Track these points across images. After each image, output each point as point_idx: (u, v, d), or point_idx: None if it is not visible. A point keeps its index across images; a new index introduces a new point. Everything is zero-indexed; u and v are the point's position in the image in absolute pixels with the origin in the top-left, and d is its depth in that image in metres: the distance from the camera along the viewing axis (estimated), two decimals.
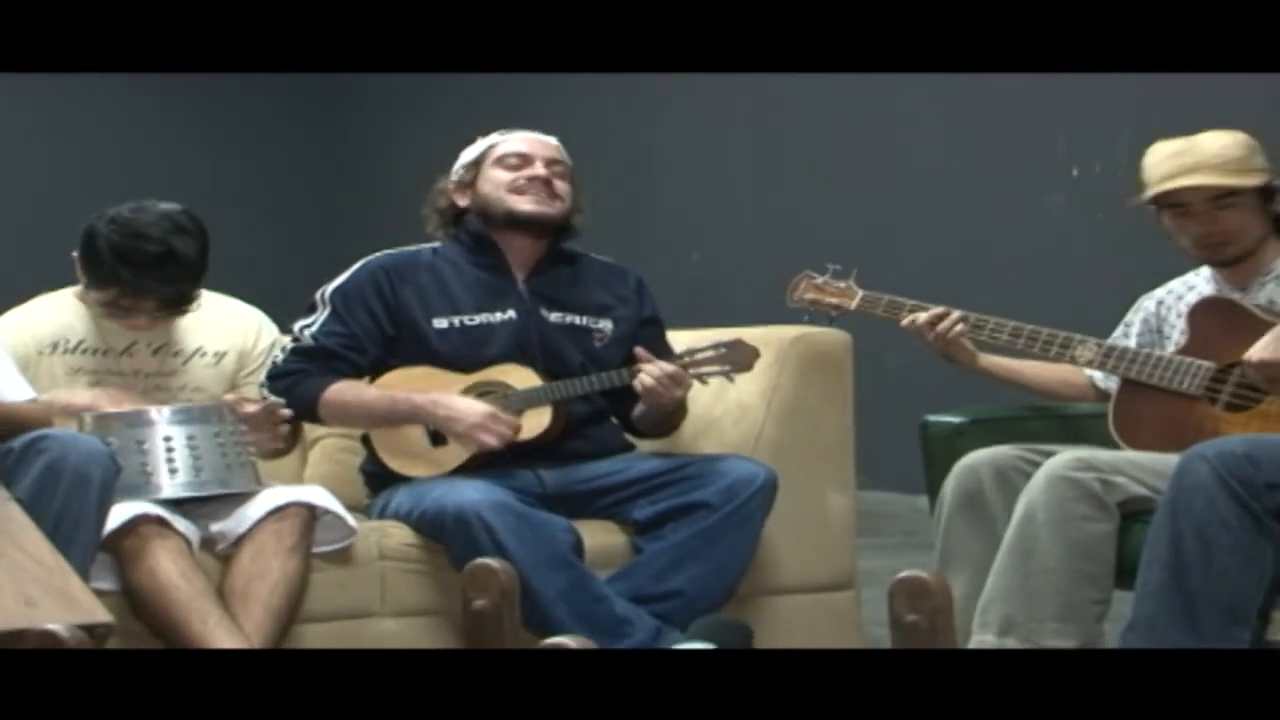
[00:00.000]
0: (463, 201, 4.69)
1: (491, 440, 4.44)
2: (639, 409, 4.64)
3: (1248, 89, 6.78)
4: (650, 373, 4.47)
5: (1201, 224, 4.42)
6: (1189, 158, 4.43)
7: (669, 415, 4.67)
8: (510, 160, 4.64)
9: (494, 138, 4.72)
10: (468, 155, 4.73)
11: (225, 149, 11.09)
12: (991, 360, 4.66)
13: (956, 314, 4.57)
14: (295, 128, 11.79)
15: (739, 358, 4.54)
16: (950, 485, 4.40)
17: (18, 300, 4.72)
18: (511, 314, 4.65)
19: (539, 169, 4.64)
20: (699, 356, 4.55)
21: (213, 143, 11.19)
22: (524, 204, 4.62)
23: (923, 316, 4.58)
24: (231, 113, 11.46)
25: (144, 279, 4.48)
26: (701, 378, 4.55)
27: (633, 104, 9.61)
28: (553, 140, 4.75)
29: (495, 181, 4.64)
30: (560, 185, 4.67)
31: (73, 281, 4.74)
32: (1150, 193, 4.44)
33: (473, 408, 4.49)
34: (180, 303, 4.57)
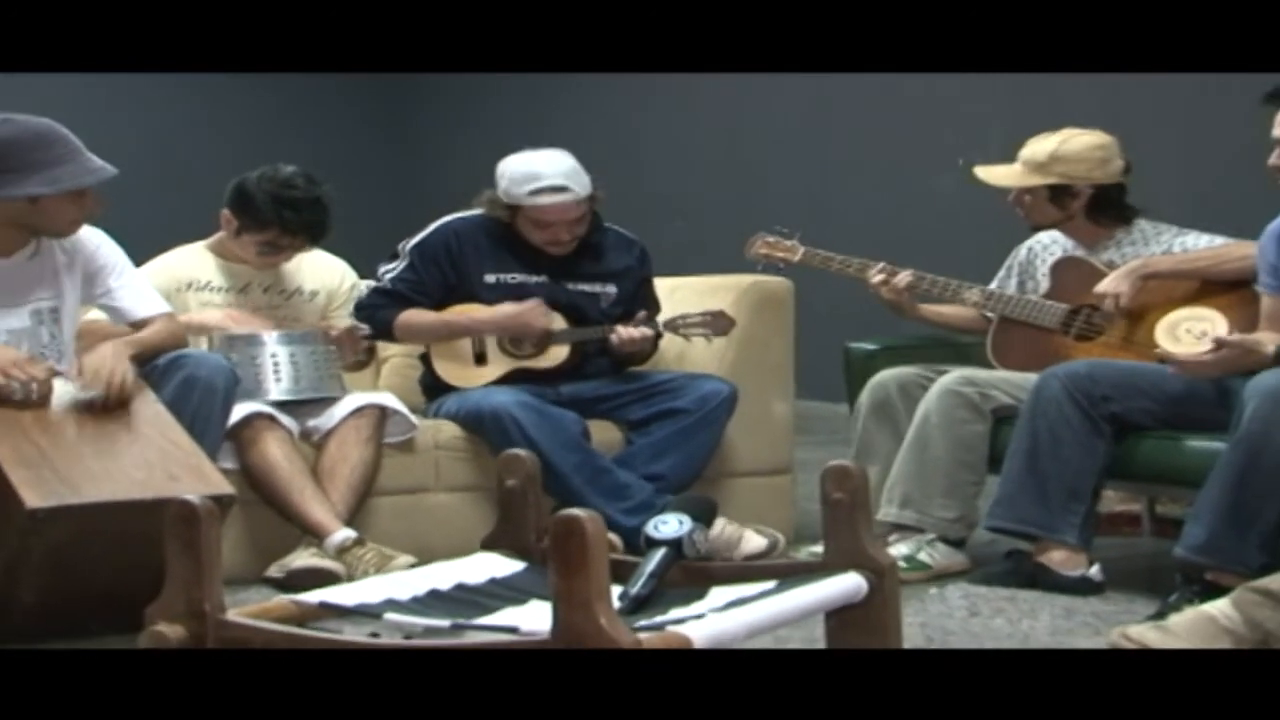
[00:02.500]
0: (507, 219, 4.59)
1: (527, 330, 4.55)
2: (614, 349, 4.61)
3: (1097, 90, 6.78)
4: (626, 334, 4.53)
5: (1027, 212, 4.53)
6: (1027, 158, 4.48)
7: (632, 361, 4.69)
8: (541, 223, 4.53)
9: (526, 196, 4.48)
10: (508, 193, 4.53)
11: (318, 134, 11.07)
12: (925, 308, 4.69)
13: (903, 271, 4.58)
14: (371, 118, 11.78)
15: (719, 325, 4.57)
16: (865, 395, 4.41)
17: (159, 250, 4.72)
18: (544, 278, 4.63)
19: (562, 235, 4.56)
20: (690, 320, 4.57)
21: (309, 129, 11.16)
22: (551, 248, 4.58)
23: (876, 272, 4.60)
24: (325, 106, 11.46)
25: (300, 216, 4.53)
26: (688, 336, 4.60)
27: (627, 103, 9.59)
28: (571, 196, 4.49)
29: (530, 231, 4.56)
30: (578, 229, 4.58)
31: (202, 237, 4.76)
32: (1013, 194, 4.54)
33: (508, 307, 4.55)
34: (320, 235, 4.65)
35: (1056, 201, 4.43)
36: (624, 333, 4.53)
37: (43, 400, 3.67)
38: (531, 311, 4.52)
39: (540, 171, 4.50)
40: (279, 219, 4.53)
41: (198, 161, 8.76)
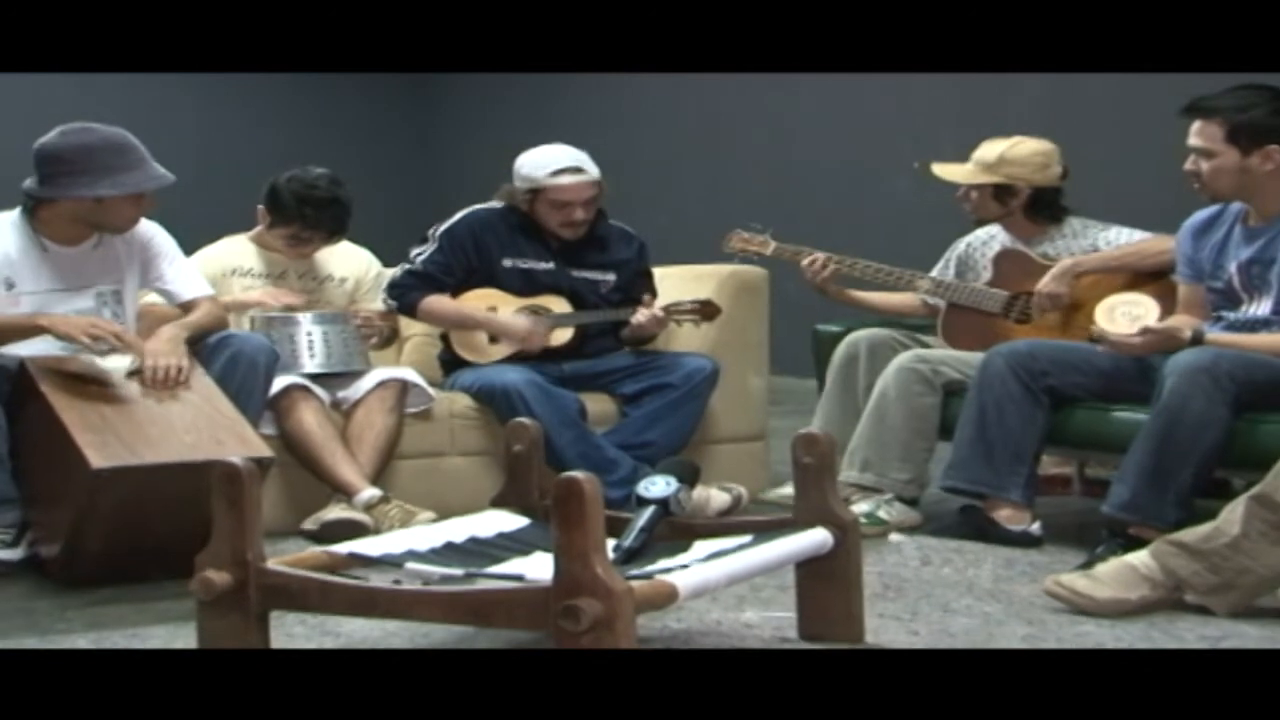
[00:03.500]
0: (525, 208, 4.57)
1: (530, 347, 4.48)
2: (626, 332, 4.62)
3: (1038, 98, 6.79)
4: (644, 316, 4.53)
5: (973, 207, 4.51)
6: (980, 158, 4.47)
7: (646, 340, 4.67)
8: (558, 203, 4.51)
9: (547, 179, 4.49)
10: (529, 178, 4.53)
11: (350, 137, 11.04)
12: (849, 292, 4.70)
13: (822, 257, 4.59)
14: (397, 123, 11.72)
15: (707, 312, 4.57)
16: (838, 354, 4.43)
17: (207, 241, 4.72)
18: (552, 265, 4.60)
19: (578, 214, 4.53)
20: (682, 307, 4.57)
21: (343, 133, 11.14)
22: (566, 233, 4.55)
23: (808, 259, 4.61)
24: (357, 111, 11.42)
25: (321, 214, 4.55)
26: (679, 321, 4.60)
27: (619, 109, 9.58)
28: (586, 176, 4.52)
29: (548, 214, 4.53)
30: (590, 211, 4.57)
31: (245, 229, 4.76)
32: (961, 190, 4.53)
33: (520, 323, 4.49)
34: (339, 231, 4.66)
35: (999, 199, 4.43)
36: (643, 314, 4.54)
37: (123, 345, 3.69)
38: (534, 335, 4.49)
39: (558, 156, 4.55)
40: (301, 215, 4.55)
41: (243, 160, 8.71)
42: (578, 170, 4.51)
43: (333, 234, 4.66)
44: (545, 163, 4.52)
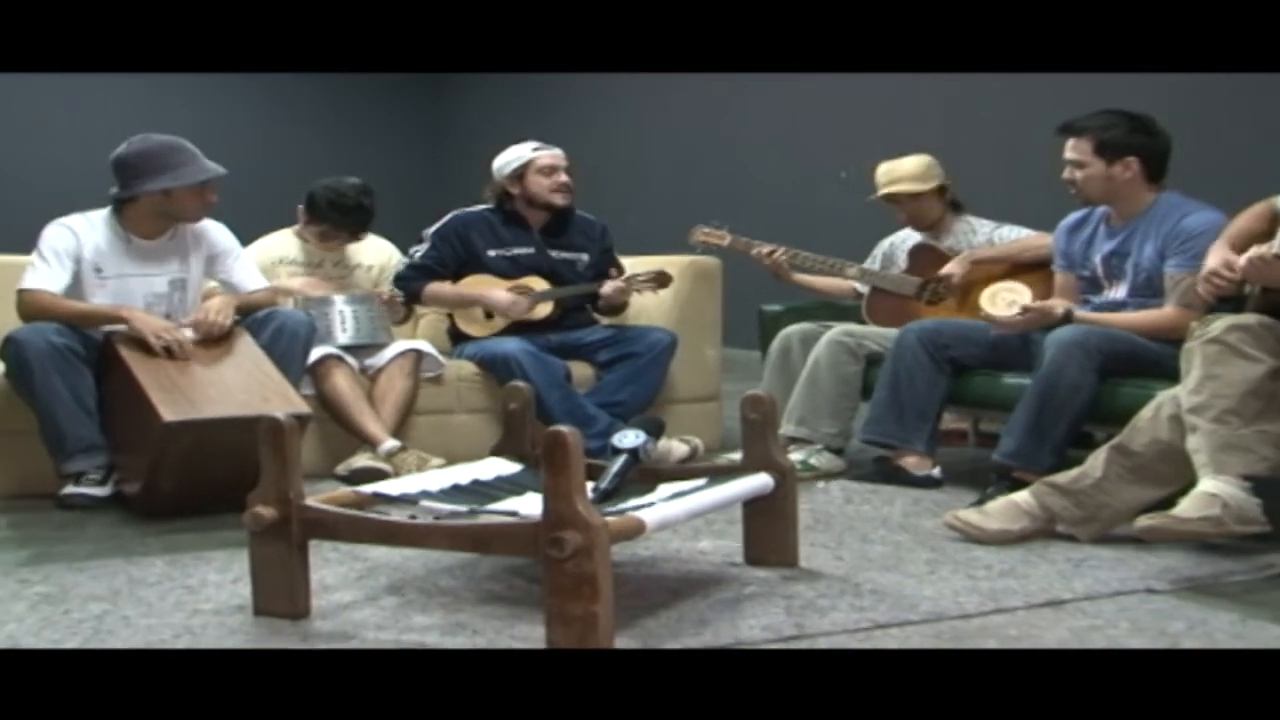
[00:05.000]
0: (514, 190, 4.58)
1: (513, 316, 4.48)
2: (600, 303, 4.63)
3: (934, 115, 6.79)
4: (609, 288, 4.54)
5: (904, 208, 4.49)
6: (894, 174, 4.48)
7: (617, 308, 4.67)
8: (547, 170, 4.55)
9: (530, 154, 4.56)
10: (516, 161, 4.57)
11: (365, 138, 11.02)
12: (796, 276, 4.70)
13: (780, 249, 4.61)
14: (416, 134, 11.72)
15: (661, 280, 4.58)
16: (775, 344, 4.43)
17: (257, 236, 4.71)
18: (532, 250, 4.60)
19: (563, 177, 4.58)
20: (640, 278, 4.58)
21: (358, 133, 11.11)
22: (559, 199, 4.56)
23: (764, 249, 4.62)
24: (368, 113, 11.37)
25: (345, 219, 4.61)
26: (639, 290, 4.60)
27: (598, 123, 9.54)
28: (558, 149, 4.62)
29: (539, 184, 4.55)
30: (571, 180, 4.60)
31: (291, 224, 4.76)
32: (878, 194, 4.50)
33: (503, 296, 4.50)
34: (359, 231, 4.70)
35: (939, 199, 4.45)
36: (609, 285, 4.55)
37: (181, 354, 3.69)
38: (516, 306, 4.50)
39: (529, 143, 4.62)
40: (329, 218, 4.60)
41: (295, 166, 8.67)
42: (549, 146, 4.61)
43: (355, 235, 4.68)
44: (522, 149, 4.60)
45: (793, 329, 4.40)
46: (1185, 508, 2.87)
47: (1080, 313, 3.71)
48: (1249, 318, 3.02)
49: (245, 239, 4.35)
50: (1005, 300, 3.91)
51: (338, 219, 4.60)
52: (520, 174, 4.57)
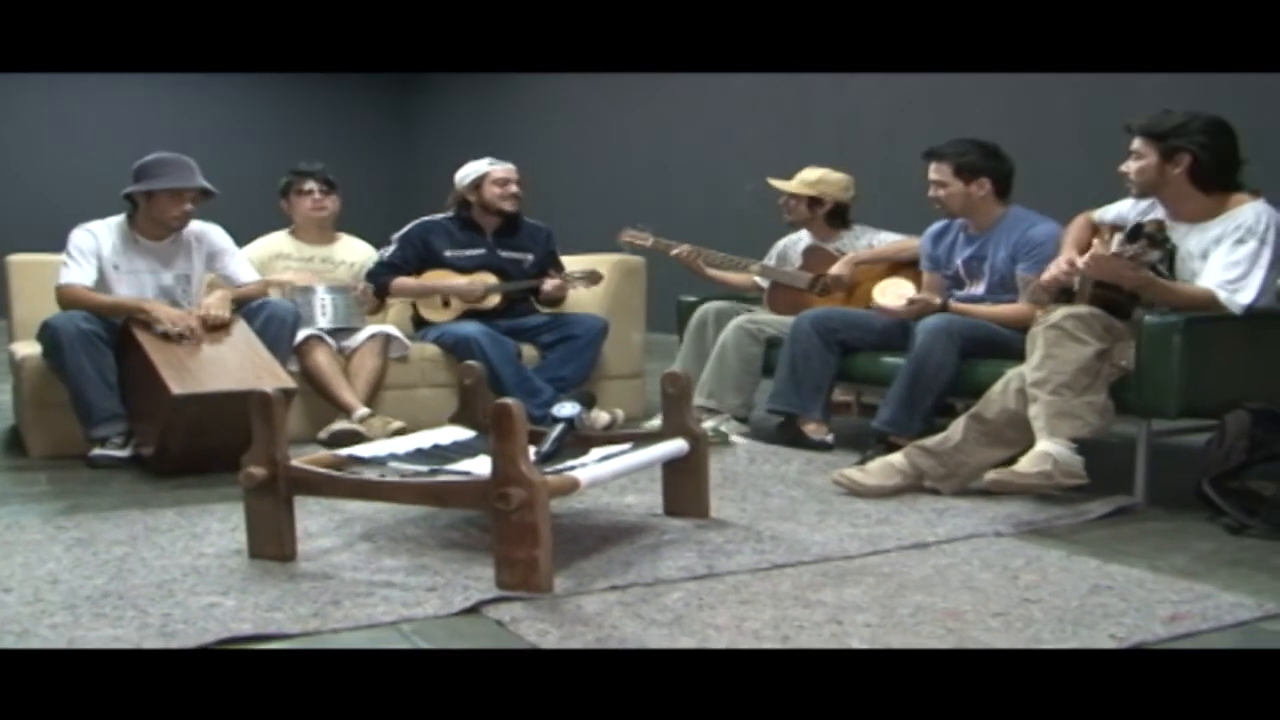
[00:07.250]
0: (472, 198, 4.55)
1: (471, 296, 4.47)
2: (542, 296, 4.58)
3: (829, 144, 6.82)
4: (548, 286, 4.52)
5: (786, 204, 4.50)
6: (800, 176, 4.49)
7: (556, 302, 4.63)
8: (500, 181, 4.53)
9: (487, 167, 4.55)
10: (474, 173, 4.55)
11: (342, 139, 10.86)
12: (708, 271, 4.70)
13: (687, 248, 4.60)
14: (380, 125, 11.54)
15: (594, 278, 4.56)
16: (694, 317, 4.44)
17: (253, 237, 4.66)
18: (483, 251, 4.58)
19: (513, 188, 4.55)
20: (575, 276, 4.56)
21: (334, 134, 10.94)
22: (508, 205, 4.54)
23: (681, 249, 4.62)
24: (343, 113, 11.18)
25: (310, 167, 4.68)
26: (575, 286, 4.58)
27: (545, 134, 9.50)
28: (514, 167, 4.61)
29: (493, 193, 4.52)
30: (519, 190, 4.58)
31: (281, 226, 4.70)
32: (774, 183, 4.51)
33: (460, 282, 4.49)
34: (328, 182, 4.69)
35: (810, 207, 4.47)
36: (549, 283, 4.53)
37: (191, 339, 3.67)
38: (471, 289, 4.48)
39: (486, 159, 4.62)
40: (296, 172, 4.67)
41: (261, 161, 8.50)
42: (503, 162, 4.62)
43: (325, 183, 4.67)
44: (480, 164, 4.59)
45: (709, 305, 4.42)
46: (1023, 465, 2.95)
47: (954, 304, 3.76)
48: (1081, 308, 3.09)
49: (241, 240, 4.30)
50: (895, 293, 3.95)
51: (305, 169, 4.66)
52: (478, 184, 4.56)
